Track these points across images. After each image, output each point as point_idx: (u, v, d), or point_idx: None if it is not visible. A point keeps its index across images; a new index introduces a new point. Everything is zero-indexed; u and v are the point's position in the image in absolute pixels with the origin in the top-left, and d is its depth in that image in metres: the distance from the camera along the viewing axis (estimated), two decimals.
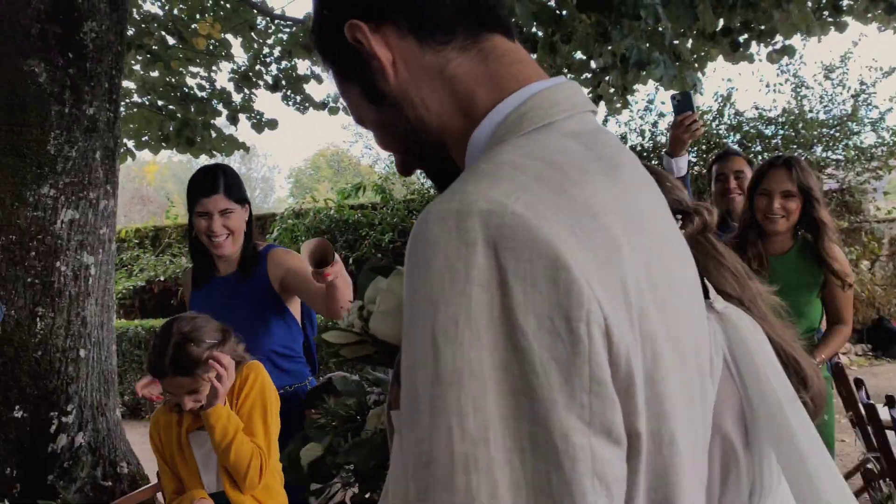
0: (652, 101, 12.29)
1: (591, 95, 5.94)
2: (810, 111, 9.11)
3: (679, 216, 1.16)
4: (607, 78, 5.59)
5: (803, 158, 8.79)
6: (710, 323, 1.04)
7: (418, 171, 0.82)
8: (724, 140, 8.97)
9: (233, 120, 6.35)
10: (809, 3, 4.88)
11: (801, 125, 8.88)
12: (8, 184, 3.27)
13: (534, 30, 4.44)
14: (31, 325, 3.27)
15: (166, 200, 21.68)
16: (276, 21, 6.68)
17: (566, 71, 5.78)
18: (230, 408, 2.07)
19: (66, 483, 2.94)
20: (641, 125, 9.76)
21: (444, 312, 0.53)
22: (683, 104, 2.84)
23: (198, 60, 6.28)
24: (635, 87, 5.96)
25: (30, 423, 3.25)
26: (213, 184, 2.38)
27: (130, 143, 6.27)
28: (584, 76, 5.81)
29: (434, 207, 0.57)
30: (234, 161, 36.73)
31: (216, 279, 2.50)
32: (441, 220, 0.55)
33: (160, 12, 6.28)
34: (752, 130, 9.07)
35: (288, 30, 6.78)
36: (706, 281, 1.12)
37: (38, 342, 3.29)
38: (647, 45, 3.85)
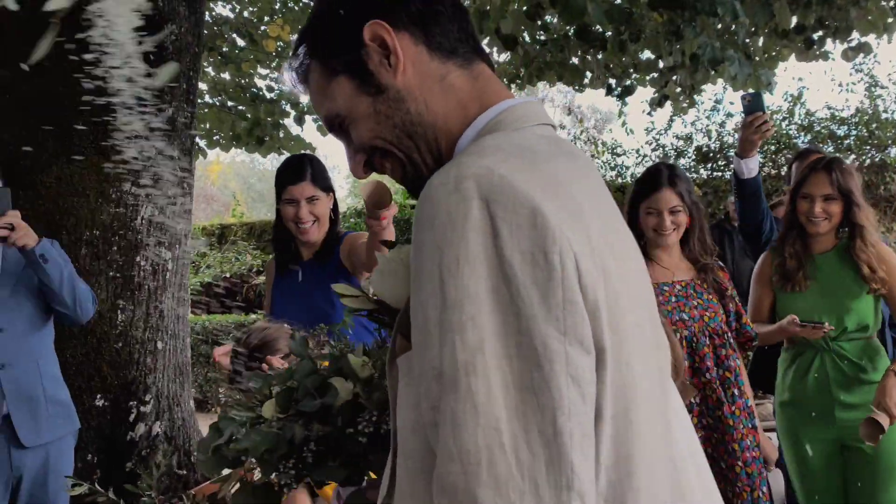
0: (720, 100, 12.05)
1: (657, 95, 5.86)
2: (885, 111, 8.82)
3: None
4: (675, 77, 5.51)
5: (877, 159, 8.50)
6: None
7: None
8: (795, 140, 8.74)
9: (299, 121, 6.47)
10: (885, 1, 4.73)
11: (874, 125, 8.60)
12: (93, 181, 3.39)
13: (599, 28, 4.43)
14: (112, 317, 3.39)
15: (230, 199, 22.21)
16: None
17: (632, 70, 5.73)
18: None
19: (147, 470, 3.04)
20: (708, 125, 9.58)
21: (448, 254, 0.66)
22: (754, 105, 2.82)
23: (267, 62, 6.41)
24: (702, 86, 5.87)
25: (110, 411, 3.38)
26: (301, 172, 2.45)
27: (202, 142, 6.45)
28: (650, 76, 5.74)
29: (435, 178, 0.71)
30: None
31: (299, 264, 2.58)
32: (442, 184, 0.69)
33: (231, 15, 6.44)
34: (823, 131, 8.83)
35: None
36: None
37: (119, 333, 3.41)
38: (720, 43, 3.79)
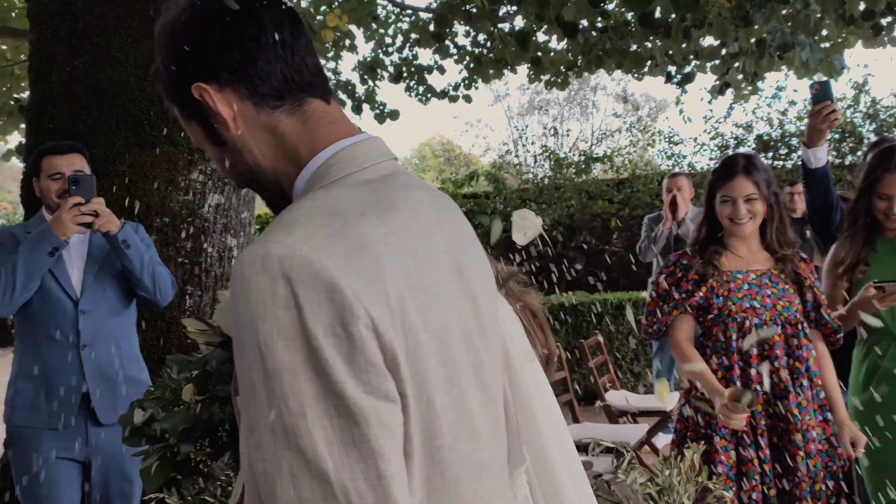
0: (782, 88, 11.75)
1: (718, 82, 5.76)
2: None
3: None
4: (737, 64, 5.40)
5: None
6: None
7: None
8: (859, 129, 8.50)
9: (357, 109, 6.52)
10: None
11: None
12: (163, 170, 3.48)
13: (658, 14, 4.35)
14: (181, 302, 3.48)
15: None
16: (398, 10, 6.80)
17: (693, 57, 5.63)
18: None
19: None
20: (769, 113, 9.37)
21: (262, 328, 0.75)
22: (822, 93, 2.79)
23: (324, 52, 6.47)
24: (765, 73, 5.74)
25: None
26: None
27: None
28: (712, 63, 5.64)
29: (246, 255, 0.78)
30: None
31: None
32: (251, 263, 0.77)
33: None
34: (889, 119, 8.56)
35: (408, 19, 6.90)
36: None
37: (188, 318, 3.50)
38: (790, 28, 3.70)
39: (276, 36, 0.92)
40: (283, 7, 0.96)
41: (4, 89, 6.13)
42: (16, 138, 6.47)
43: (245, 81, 0.91)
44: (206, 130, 0.95)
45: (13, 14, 5.65)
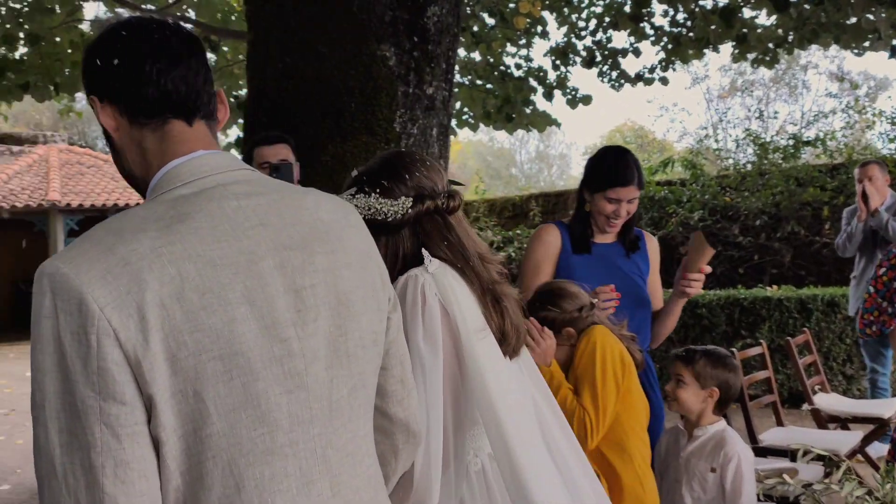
0: None
1: None
2: None
3: (413, 197, 1.55)
4: None
5: None
6: (425, 276, 1.48)
7: None
8: None
9: (548, 96, 6.47)
10: None
11: None
12: (360, 160, 3.63)
13: None
14: None
15: (470, 177, 22.85)
16: None
17: None
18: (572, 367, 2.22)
19: None
20: None
21: (33, 333, 0.93)
22: None
23: (516, 39, 6.47)
24: None
25: None
26: (631, 175, 2.53)
27: (453, 122, 6.69)
28: None
29: (38, 270, 0.97)
30: (534, 138, 37.60)
31: (598, 246, 2.64)
32: (37, 278, 0.95)
33: None
34: None
35: (602, 2, 6.72)
36: (424, 249, 1.54)
37: None
38: None
39: (152, 66, 1.09)
40: (170, 35, 1.12)
41: (226, 87, 6.70)
42: (235, 132, 7.07)
43: (123, 101, 1.10)
44: (104, 132, 1.15)
45: (233, 17, 6.15)
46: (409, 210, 1.55)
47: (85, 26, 5.62)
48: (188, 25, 6.31)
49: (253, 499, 0.99)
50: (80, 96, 6.59)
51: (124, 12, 5.81)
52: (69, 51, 5.05)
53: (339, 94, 3.61)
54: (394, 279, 1.45)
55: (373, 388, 1.20)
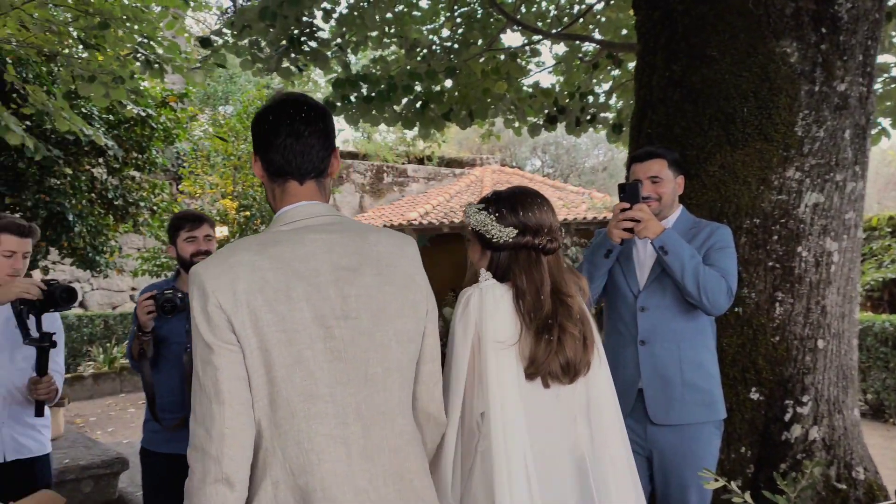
0: None
1: None
2: None
3: (518, 231, 1.97)
4: None
5: None
6: (476, 291, 1.93)
7: None
8: None
9: None
10: None
11: None
12: (754, 168, 3.31)
13: None
14: (769, 309, 3.26)
15: None
16: None
17: None
18: None
19: (795, 476, 2.84)
20: None
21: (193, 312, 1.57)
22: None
23: None
24: None
25: (764, 407, 3.26)
26: None
27: (886, 122, 5.74)
28: None
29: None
30: None
31: None
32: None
33: None
34: None
35: None
36: (483, 270, 2.01)
37: (776, 327, 3.25)
38: None
39: (282, 140, 1.66)
40: (301, 113, 1.67)
41: (629, 103, 6.72)
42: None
43: (264, 161, 1.70)
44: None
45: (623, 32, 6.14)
46: (511, 240, 1.96)
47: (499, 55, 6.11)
48: (590, 44, 6.48)
49: (301, 423, 1.54)
50: (499, 121, 7.19)
51: (538, 38, 6.20)
52: (481, 79, 5.54)
53: (729, 100, 3.34)
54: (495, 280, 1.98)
55: (409, 372, 1.67)
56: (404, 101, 5.47)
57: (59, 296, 2.82)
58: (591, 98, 6.53)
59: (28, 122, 7.45)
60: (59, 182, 7.86)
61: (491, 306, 1.87)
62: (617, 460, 1.96)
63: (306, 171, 1.68)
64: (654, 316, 2.80)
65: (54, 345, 2.89)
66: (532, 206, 1.99)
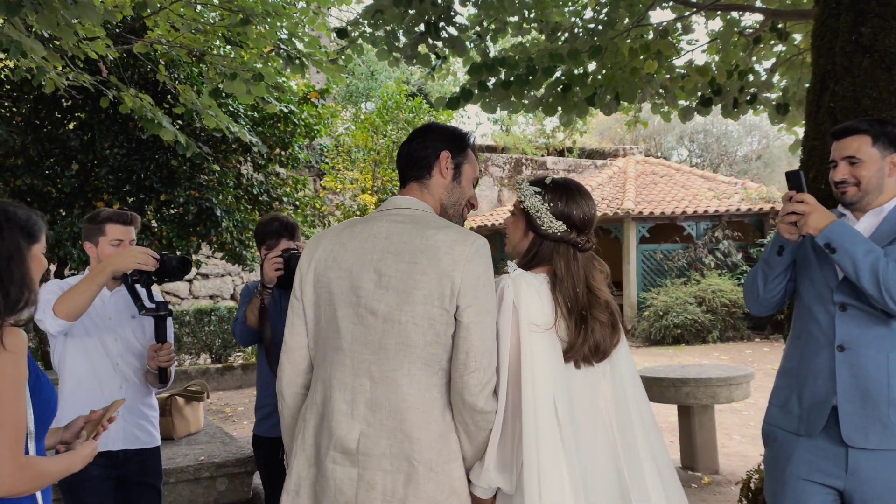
0: None
1: None
2: None
3: (567, 226, 2.10)
4: None
5: None
6: (507, 281, 2.03)
7: None
8: None
9: None
10: None
11: None
12: None
13: None
14: None
15: None
16: None
17: None
18: None
19: None
20: None
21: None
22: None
23: None
24: None
25: None
26: None
27: None
28: None
29: None
30: None
31: None
32: None
33: None
34: None
35: None
36: (510, 262, 2.17)
37: None
38: None
39: (405, 148, 2.17)
40: (418, 130, 2.20)
41: (796, 80, 6.06)
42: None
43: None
44: None
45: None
46: (559, 233, 2.08)
47: (649, 33, 5.66)
48: (753, 15, 5.89)
49: (327, 367, 2.00)
50: (646, 107, 6.72)
51: (689, 14, 5.70)
52: (628, 58, 5.12)
53: None
54: (527, 265, 2.12)
55: (424, 351, 1.90)
56: (545, 85, 5.15)
57: (175, 266, 2.86)
58: (751, 77, 5.93)
59: (179, 122, 7.76)
60: (207, 178, 8.14)
61: (525, 292, 2.00)
62: (642, 411, 2.14)
63: (410, 174, 2.13)
64: (857, 316, 2.31)
65: (170, 313, 2.96)
66: (584, 203, 2.11)
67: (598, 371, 2.11)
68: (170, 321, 3.04)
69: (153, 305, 2.90)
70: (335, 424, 1.93)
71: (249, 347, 11.77)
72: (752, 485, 3.71)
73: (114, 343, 2.95)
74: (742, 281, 2.72)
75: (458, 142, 2.13)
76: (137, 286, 2.86)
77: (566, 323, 2.03)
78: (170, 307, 2.94)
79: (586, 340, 2.03)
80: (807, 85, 5.99)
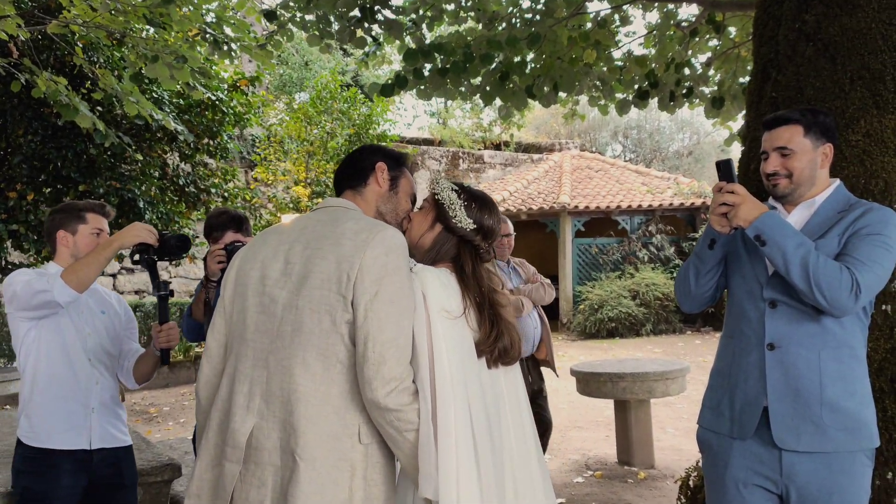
0: None
1: None
2: None
3: (475, 227, 2.11)
4: None
5: None
6: (412, 275, 1.95)
7: None
8: None
9: None
10: None
11: None
12: None
13: None
14: None
15: None
16: None
17: None
18: None
19: None
20: None
21: None
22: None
23: None
24: None
25: None
26: None
27: None
28: None
29: None
30: None
31: None
32: None
33: None
34: None
35: None
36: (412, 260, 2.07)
37: None
38: None
39: (341, 170, 2.22)
40: (360, 149, 2.23)
41: (730, 74, 6.07)
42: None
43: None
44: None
45: None
46: (468, 229, 2.09)
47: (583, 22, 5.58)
48: (690, 8, 5.88)
49: (233, 360, 1.97)
50: (583, 100, 6.65)
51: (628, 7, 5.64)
52: (566, 47, 5.02)
53: (876, 54, 2.77)
54: (430, 260, 2.09)
55: (320, 339, 1.84)
56: (482, 73, 5.00)
57: (175, 244, 2.91)
58: (687, 70, 5.92)
59: (99, 108, 7.35)
60: (130, 168, 7.74)
61: (432, 282, 1.95)
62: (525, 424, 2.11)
63: (345, 185, 2.16)
64: (787, 313, 2.23)
65: (172, 293, 3.04)
66: (495, 216, 2.15)
67: (515, 368, 2.14)
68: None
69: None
70: (232, 419, 1.87)
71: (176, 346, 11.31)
72: (690, 482, 3.64)
73: (87, 338, 2.91)
74: (675, 274, 2.58)
75: (395, 158, 2.16)
76: (146, 263, 2.91)
77: (476, 315, 2.00)
78: (171, 288, 3.00)
79: (498, 339, 2.01)
80: (741, 80, 6.03)
